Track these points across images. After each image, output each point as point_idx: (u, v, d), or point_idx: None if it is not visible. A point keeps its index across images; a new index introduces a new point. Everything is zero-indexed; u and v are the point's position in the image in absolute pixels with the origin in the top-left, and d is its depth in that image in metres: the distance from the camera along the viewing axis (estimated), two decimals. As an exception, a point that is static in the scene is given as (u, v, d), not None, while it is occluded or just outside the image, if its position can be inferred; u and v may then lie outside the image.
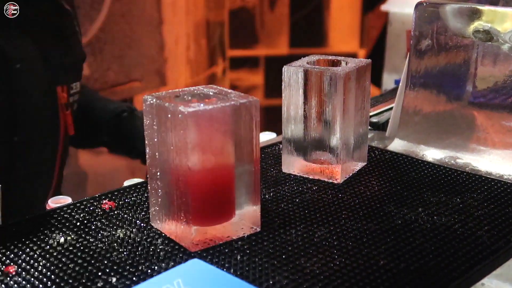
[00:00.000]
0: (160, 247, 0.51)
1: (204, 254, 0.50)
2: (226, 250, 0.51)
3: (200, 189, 0.50)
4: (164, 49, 2.31)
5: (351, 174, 0.66)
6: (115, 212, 0.58)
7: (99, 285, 0.46)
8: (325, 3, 3.17)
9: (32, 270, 0.48)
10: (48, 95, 0.90)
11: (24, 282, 0.46)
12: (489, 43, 0.69)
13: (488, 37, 0.68)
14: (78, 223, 0.56)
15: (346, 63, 0.65)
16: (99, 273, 0.47)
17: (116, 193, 0.62)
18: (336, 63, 0.66)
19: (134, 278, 0.46)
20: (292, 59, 0.65)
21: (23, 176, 0.87)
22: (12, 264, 0.49)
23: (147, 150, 0.53)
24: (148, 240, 0.52)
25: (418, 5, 0.73)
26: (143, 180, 0.65)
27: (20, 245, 0.52)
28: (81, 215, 0.57)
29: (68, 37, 0.94)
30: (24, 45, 0.85)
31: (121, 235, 0.53)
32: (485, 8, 0.68)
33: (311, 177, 0.65)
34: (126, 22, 2.12)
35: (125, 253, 0.50)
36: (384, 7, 1.58)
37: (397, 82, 1.20)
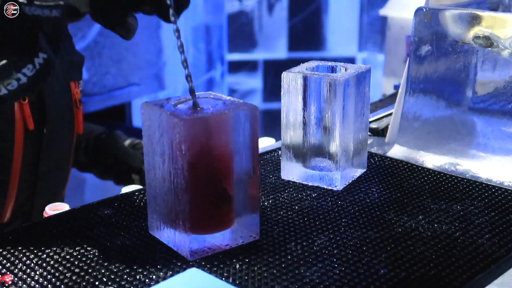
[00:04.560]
0: (158, 255, 0.51)
1: (203, 263, 0.49)
2: (225, 259, 0.50)
3: (198, 197, 0.49)
4: (163, 53, 2.30)
5: (350, 181, 0.66)
6: (113, 220, 0.57)
7: (96, 294, 0.45)
8: (323, 7, 3.17)
9: (29, 279, 0.47)
10: (66, 90, 0.91)
11: (20, 292, 0.46)
12: (489, 49, 0.69)
13: (488, 43, 0.68)
14: (75, 231, 0.55)
15: (345, 69, 0.64)
16: (96, 283, 0.47)
17: (114, 200, 0.61)
18: (335, 69, 0.65)
19: (132, 288, 0.46)
20: (290, 63, 0.65)
21: (46, 170, 0.88)
22: (8, 273, 0.48)
23: (145, 157, 0.52)
24: (146, 248, 0.52)
25: (418, 11, 0.72)
26: (142, 187, 0.65)
27: (17, 253, 0.51)
28: (79, 222, 0.57)
29: (70, 36, 0.96)
30: (40, 38, 0.87)
31: (119, 243, 0.53)
32: (485, 14, 0.68)
33: (310, 184, 0.65)
34: (124, 26, 2.11)
35: (123, 261, 0.50)
36: (382, 12, 1.58)
37: (396, 87, 1.19)
